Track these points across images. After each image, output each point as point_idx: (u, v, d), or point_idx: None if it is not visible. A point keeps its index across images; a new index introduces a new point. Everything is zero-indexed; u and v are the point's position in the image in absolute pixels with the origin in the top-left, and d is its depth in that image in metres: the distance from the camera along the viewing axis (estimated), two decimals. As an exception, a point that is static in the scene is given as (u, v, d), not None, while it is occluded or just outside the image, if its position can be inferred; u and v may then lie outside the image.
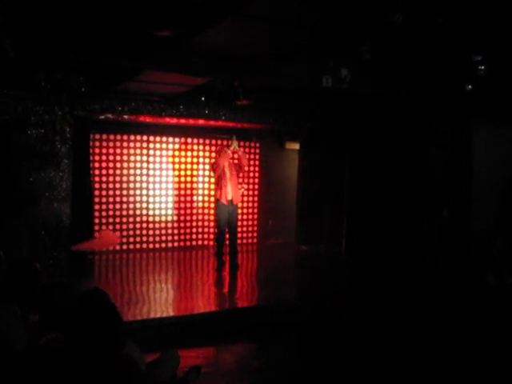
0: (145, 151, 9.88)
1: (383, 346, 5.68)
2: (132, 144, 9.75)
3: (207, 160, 10.31)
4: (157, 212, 10.10)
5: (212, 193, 9.84)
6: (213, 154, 10.20)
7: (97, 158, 9.40)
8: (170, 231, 10.27)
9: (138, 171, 9.84)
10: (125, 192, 9.74)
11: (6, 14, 4.68)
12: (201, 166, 10.47)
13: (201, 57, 6.08)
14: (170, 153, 10.17)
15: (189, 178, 10.41)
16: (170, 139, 10.15)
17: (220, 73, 6.69)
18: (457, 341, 5.89)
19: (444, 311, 6.81)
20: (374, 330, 6.17)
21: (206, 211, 10.52)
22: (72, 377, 2.26)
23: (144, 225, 9.98)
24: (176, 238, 10.35)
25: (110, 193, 9.62)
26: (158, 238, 10.15)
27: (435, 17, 4.89)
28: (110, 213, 9.66)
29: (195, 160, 10.44)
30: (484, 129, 8.45)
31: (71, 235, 7.54)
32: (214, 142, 10.49)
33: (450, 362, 5.28)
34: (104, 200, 9.57)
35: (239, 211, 10.39)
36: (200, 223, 10.59)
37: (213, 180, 9.17)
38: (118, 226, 9.70)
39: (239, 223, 10.46)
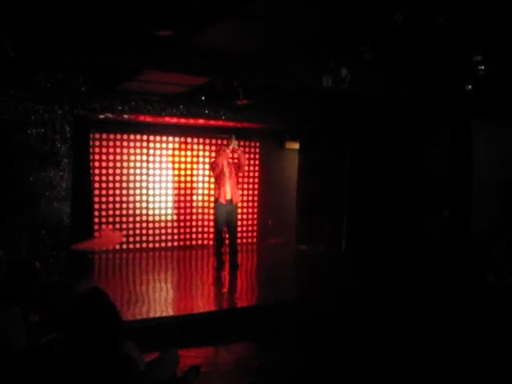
0: (145, 151, 9.89)
1: (383, 346, 5.68)
2: (132, 143, 9.76)
3: (207, 160, 10.31)
4: (157, 211, 10.10)
5: (212, 192, 9.85)
6: (213, 154, 10.20)
7: (97, 157, 9.41)
8: (169, 231, 10.28)
9: (138, 171, 9.85)
10: (125, 191, 9.75)
11: (5, 14, 4.68)
12: (201, 166, 10.47)
13: (201, 57, 6.09)
14: (170, 152, 10.18)
15: (189, 178, 10.42)
16: (170, 139, 10.15)
17: (220, 73, 6.69)
18: (457, 341, 5.89)
19: (444, 311, 6.82)
20: (373, 330, 6.17)
21: (205, 211, 10.52)
22: (72, 376, 2.26)
23: (144, 224, 9.99)
24: (176, 237, 10.36)
25: (110, 192, 9.62)
26: (157, 238, 10.16)
27: (435, 17, 4.89)
28: (110, 212, 9.66)
29: (195, 160, 10.44)
30: (484, 129, 8.45)
31: (71, 235, 7.53)
32: (213, 141, 10.49)
33: (450, 362, 5.28)
34: (104, 199, 9.58)
35: (239, 211, 10.42)
36: (200, 223, 10.59)
37: (212, 179, 9.17)
38: (117, 226, 9.70)
39: (239, 223, 10.47)
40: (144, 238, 10.02)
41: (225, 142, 9.11)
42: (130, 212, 9.83)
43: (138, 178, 9.85)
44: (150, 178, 9.98)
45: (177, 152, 10.24)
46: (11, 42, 4.98)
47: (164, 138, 10.07)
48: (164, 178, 10.14)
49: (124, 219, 9.78)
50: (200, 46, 5.73)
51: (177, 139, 10.21)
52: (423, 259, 8.79)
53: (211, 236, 10.50)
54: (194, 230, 10.56)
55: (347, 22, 5.12)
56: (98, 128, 9.24)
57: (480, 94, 7.57)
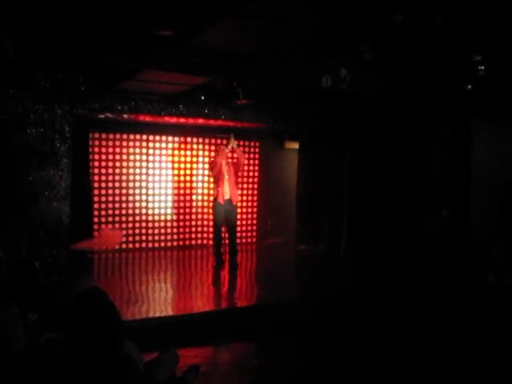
0: (144, 150, 9.89)
1: (383, 346, 5.68)
2: (131, 143, 9.76)
3: (207, 159, 10.30)
4: (156, 211, 10.11)
5: (211, 192, 9.85)
6: (212, 154, 10.19)
7: (96, 157, 9.41)
8: (169, 230, 10.28)
9: (138, 170, 9.85)
10: (124, 191, 9.75)
11: (6, 14, 4.68)
12: (200, 166, 10.47)
13: (201, 57, 6.08)
14: (170, 152, 10.18)
15: (188, 178, 10.42)
16: (170, 138, 10.15)
17: (220, 73, 6.69)
18: (457, 341, 5.89)
19: (444, 311, 6.82)
20: (373, 330, 6.17)
21: (205, 210, 10.52)
22: (71, 376, 2.27)
23: (143, 224, 9.99)
24: (175, 237, 10.36)
25: (110, 192, 9.62)
26: (157, 237, 10.16)
27: (435, 17, 4.89)
28: (110, 212, 9.66)
29: (195, 159, 10.44)
30: (484, 129, 8.45)
31: (70, 234, 7.54)
32: (213, 141, 10.49)
33: (450, 362, 5.28)
34: (103, 199, 9.58)
35: (239, 210, 10.42)
36: (199, 222, 10.59)
37: (211, 179, 9.17)
38: (117, 225, 9.70)
39: (239, 222, 10.47)
40: (143, 238, 10.02)
41: (224, 142, 9.12)
42: (130, 212, 9.83)
43: (137, 177, 9.85)
44: (150, 178, 9.98)
45: (176, 152, 10.24)
46: (11, 42, 4.98)
47: (164, 138, 10.07)
48: (163, 177, 10.14)
49: (123, 219, 9.78)
50: (200, 46, 5.73)
51: (176, 139, 10.21)
52: (423, 259, 8.79)
53: (211, 236, 10.48)
54: (193, 229, 10.56)
55: (347, 22, 5.12)
56: (97, 128, 9.24)
57: (480, 93, 7.57)
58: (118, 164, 9.64)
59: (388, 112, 9.16)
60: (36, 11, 4.83)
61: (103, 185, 9.55)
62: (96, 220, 9.48)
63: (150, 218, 10.04)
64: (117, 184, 9.67)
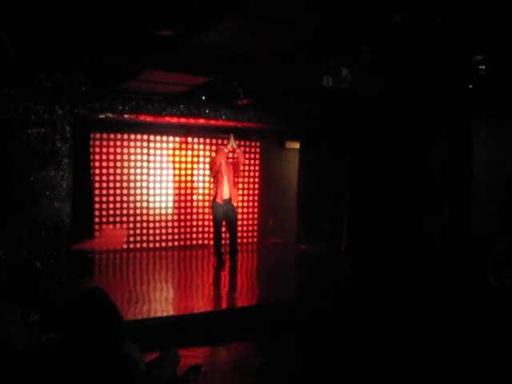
0: (145, 150, 9.89)
1: (383, 346, 5.68)
2: (132, 143, 9.77)
3: (207, 159, 10.30)
4: (157, 211, 10.11)
5: (212, 192, 9.86)
6: (213, 154, 10.20)
7: (97, 157, 9.42)
8: (170, 230, 10.28)
9: (139, 170, 9.86)
10: (125, 191, 9.76)
11: (6, 14, 4.69)
12: (201, 166, 10.47)
13: (201, 57, 6.09)
14: (171, 152, 10.18)
15: (189, 178, 10.42)
16: (171, 138, 10.16)
17: (220, 73, 6.69)
18: (457, 341, 5.89)
19: (444, 311, 6.82)
20: (373, 330, 6.17)
21: (206, 210, 10.51)
22: (72, 377, 2.27)
23: (144, 224, 10.00)
24: (176, 237, 10.37)
25: (111, 192, 9.63)
26: (158, 237, 10.16)
27: (435, 17, 4.89)
28: (111, 212, 9.67)
29: (195, 159, 10.45)
30: (484, 129, 8.45)
31: (71, 234, 7.54)
32: (214, 141, 10.50)
33: (450, 362, 5.28)
34: (104, 199, 9.59)
35: (239, 210, 10.43)
36: (200, 222, 10.60)
37: (212, 179, 9.18)
38: (118, 226, 9.71)
39: (239, 222, 10.48)
40: (144, 238, 10.03)
41: (225, 142, 9.13)
42: (131, 212, 9.84)
43: (138, 177, 9.86)
44: (151, 178, 9.98)
45: (177, 152, 10.25)
46: (11, 42, 4.98)
47: (164, 138, 10.08)
48: (164, 177, 10.14)
49: (124, 219, 9.79)
50: (200, 46, 5.73)
51: (177, 139, 10.22)
52: (423, 259, 8.79)
53: (211, 236, 10.49)
54: (194, 229, 10.57)
55: (347, 22, 5.12)
56: (98, 128, 9.25)
57: (480, 93, 7.57)
58: (118, 164, 9.64)
59: (388, 112, 9.16)
60: (36, 11, 4.84)
61: (104, 185, 9.56)
62: (97, 220, 9.48)
63: (151, 218, 10.04)
64: (118, 184, 9.68)
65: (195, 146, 10.43)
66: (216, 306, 6.77)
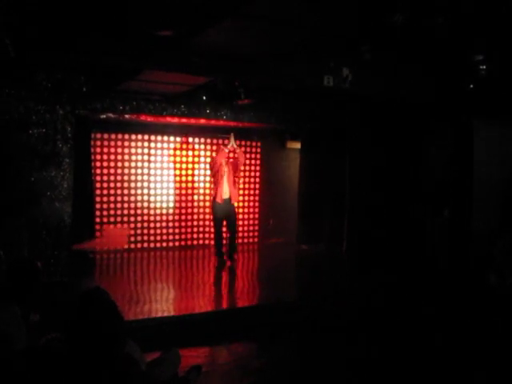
0: (146, 150, 9.90)
1: (383, 346, 5.69)
2: (133, 143, 9.77)
3: (208, 159, 10.31)
4: (158, 211, 10.11)
5: (212, 191, 9.86)
6: (213, 154, 10.21)
7: (98, 157, 9.43)
8: (170, 230, 10.29)
9: (139, 170, 9.86)
10: (126, 191, 9.76)
11: (6, 14, 4.69)
12: (202, 166, 10.47)
13: (201, 57, 6.09)
14: (171, 152, 10.19)
15: (190, 178, 10.43)
16: (171, 138, 10.17)
17: (220, 73, 6.69)
18: (457, 341, 5.89)
19: (444, 311, 6.82)
20: (373, 330, 6.17)
21: (206, 210, 10.51)
22: (72, 377, 2.27)
23: (145, 224, 10.00)
24: (177, 237, 10.37)
25: (111, 192, 9.64)
26: (158, 237, 10.17)
27: (435, 17, 4.89)
28: (111, 212, 9.67)
29: (196, 159, 10.45)
30: (484, 129, 8.44)
31: (72, 234, 7.55)
32: (214, 141, 10.50)
33: (450, 362, 5.28)
34: (105, 199, 9.59)
35: (240, 210, 10.45)
36: (201, 222, 10.60)
37: (211, 179, 9.19)
38: (119, 225, 9.71)
39: (240, 222, 10.49)
40: (145, 238, 10.04)
41: (226, 142, 9.14)
42: (132, 212, 9.85)
43: (139, 177, 9.87)
44: (152, 178, 9.99)
45: (178, 152, 10.25)
46: (11, 42, 4.99)
47: (165, 138, 10.09)
48: (165, 177, 10.15)
49: (125, 219, 9.80)
50: (200, 46, 5.73)
51: (178, 139, 10.23)
52: (423, 259, 8.79)
53: (212, 236, 10.50)
54: (195, 229, 10.57)
55: (347, 21, 5.12)
56: (99, 128, 9.26)
57: (480, 94, 7.57)
58: (119, 164, 9.65)
59: (388, 112, 9.17)
60: (36, 11, 4.84)
61: (105, 185, 9.57)
62: (98, 220, 9.49)
63: (152, 218, 10.05)
64: (118, 184, 9.69)
65: (196, 146, 10.43)
66: (217, 306, 6.78)
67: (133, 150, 9.77)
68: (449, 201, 8.71)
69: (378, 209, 9.57)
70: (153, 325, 5.73)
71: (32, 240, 7.04)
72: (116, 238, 9.50)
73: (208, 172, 10.22)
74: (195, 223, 10.55)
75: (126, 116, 8.26)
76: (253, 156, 11.12)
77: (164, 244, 10.21)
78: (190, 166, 10.40)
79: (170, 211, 10.26)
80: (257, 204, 11.31)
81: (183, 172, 10.34)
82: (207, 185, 10.47)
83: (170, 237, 10.30)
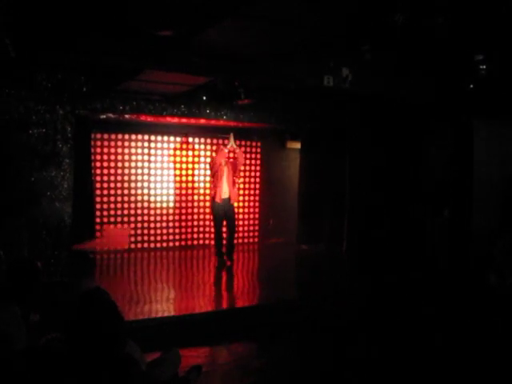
0: (146, 150, 9.90)
1: (383, 346, 5.68)
2: (133, 143, 9.78)
3: (208, 159, 10.31)
4: (158, 211, 10.11)
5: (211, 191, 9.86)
6: (213, 154, 10.21)
7: (98, 157, 9.43)
8: (171, 230, 10.29)
9: (139, 170, 9.87)
10: (126, 191, 9.77)
11: (5, 14, 4.69)
12: (202, 166, 10.48)
13: (201, 57, 6.09)
14: (171, 152, 10.19)
15: (190, 178, 10.43)
16: (172, 138, 10.17)
17: (220, 73, 6.70)
18: (457, 341, 5.89)
19: (444, 311, 6.82)
20: (373, 330, 6.17)
21: (207, 210, 10.51)
22: (72, 377, 2.27)
23: (145, 224, 10.01)
24: (177, 237, 10.37)
25: (112, 192, 9.64)
26: (158, 237, 10.17)
27: (435, 17, 4.89)
28: (112, 212, 9.68)
29: (196, 159, 10.45)
30: (484, 129, 8.45)
31: (72, 235, 7.55)
32: (215, 141, 10.50)
33: (450, 362, 5.28)
34: (105, 199, 9.60)
35: (240, 210, 10.45)
36: (201, 222, 10.60)
37: (211, 178, 9.19)
38: (119, 226, 9.72)
39: (240, 222, 10.49)
40: (145, 238, 10.04)
41: (225, 142, 9.14)
42: (132, 212, 9.85)
43: (139, 177, 9.87)
44: (152, 178, 9.99)
45: (178, 152, 10.25)
46: (11, 42, 4.99)
47: (165, 138, 10.09)
48: (165, 177, 10.15)
49: (125, 219, 9.80)
50: (200, 46, 5.73)
51: (178, 139, 10.23)
52: (423, 259, 8.79)
53: (212, 236, 10.50)
54: (195, 229, 10.57)
55: (347, 21, 5.12)
56: (99, 128, 9.26)
57: (480, 93, 7.57)
58: (119, 164, 9.66)
59: (388, 112, 9.17)
60: (36, 11, 4.84)
61: (105, 185, 9.57)
62: (98, 220, 9.50)
63: (152, 218, 10.05)
64: (118, 184, 9.69)
65: (196, 146, 10.43)
66: (217, 305, 6.78)
67: (133, 150, 9.77)
68: (449, 201, 8.71)
69: (378, 209, 9.57)
70: (153, 325, 5.73)
71: (32, 240, 7.04)
72: (116, 238, 9.50)
73: (208, 172, 10.23)
74: (195, 223, 10.55)
75: (126, 116, 8.26)
76: (253, 156, 11.12)
77: (164, 244, 10.21)
78: (190, 165, 10.40)
79: (170, 211, 10.26)
80: (257, 204, 11.31)
81: (183, 172, 10.34)
82: (207, 185, 10.46)
83: (170, 237, 10.30)
